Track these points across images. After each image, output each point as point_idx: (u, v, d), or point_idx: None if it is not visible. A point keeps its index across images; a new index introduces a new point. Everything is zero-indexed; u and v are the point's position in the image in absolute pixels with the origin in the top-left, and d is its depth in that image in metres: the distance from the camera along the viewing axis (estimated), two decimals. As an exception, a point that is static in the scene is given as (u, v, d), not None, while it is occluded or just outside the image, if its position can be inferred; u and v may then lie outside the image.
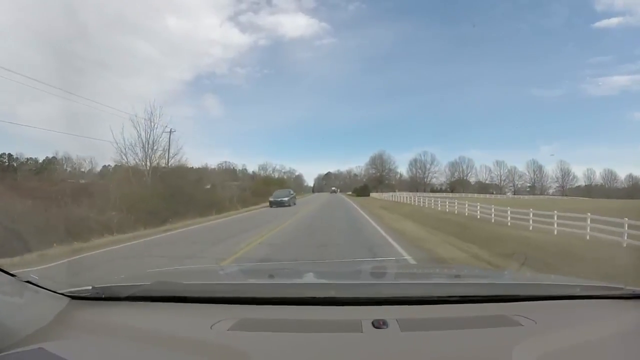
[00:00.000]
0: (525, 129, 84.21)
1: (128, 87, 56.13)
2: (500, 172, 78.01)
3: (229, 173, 53.28)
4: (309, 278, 1.93)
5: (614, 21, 59.64)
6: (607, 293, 1.39)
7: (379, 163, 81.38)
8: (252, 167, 65.54)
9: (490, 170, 77.74)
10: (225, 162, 53.74)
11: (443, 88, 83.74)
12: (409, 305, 1.23)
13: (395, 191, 64.51)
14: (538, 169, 75.45)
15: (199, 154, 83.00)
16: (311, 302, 1.24)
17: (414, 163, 79.75)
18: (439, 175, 79.43)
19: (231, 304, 1.24)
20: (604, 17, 66.27)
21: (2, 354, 0.88)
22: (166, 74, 73.16)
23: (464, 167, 78.88)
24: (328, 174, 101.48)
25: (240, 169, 58.54)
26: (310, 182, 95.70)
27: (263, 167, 73.16)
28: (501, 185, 76.84)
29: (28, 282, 1.17)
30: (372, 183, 74.63)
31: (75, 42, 45.69)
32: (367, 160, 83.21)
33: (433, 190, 69.20)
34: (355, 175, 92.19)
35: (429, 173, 79.58)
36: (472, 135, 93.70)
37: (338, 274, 2.12)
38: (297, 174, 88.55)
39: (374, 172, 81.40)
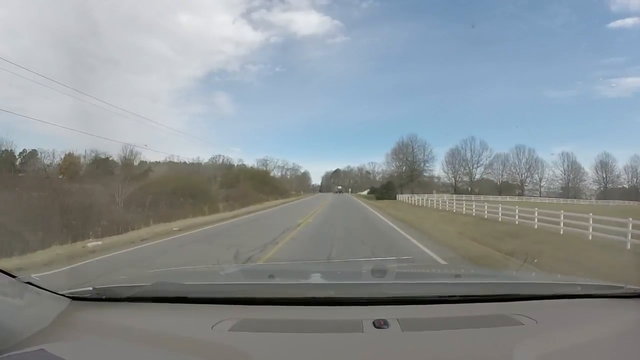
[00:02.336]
0: (539, 129, 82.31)
1: (140, 85, 56.60)
2: (565, 167, 60.31)
3: (222, 168, 48.08)
4: (310, 278, 1.94)
5: (629, 22, 55.89)
6: (607, 292, 1.40)
7: (409, 153, 62.31)
8: (252, 163, 60.72)
9: (545, 165, 60.64)
10: (219, 155, 49.59)
11: (456, 88, 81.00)
12: (409, 305, 1.23)
13: (433, 192, 49.34)
14: (603, 167, 59.45)
15: (208, 150, 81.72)
16: (312, 302, 1.24)
17: (453, 155, 60.96)
18: (487, 172, 61.06)
19: (232, 304, 1.23)
20: (619, 18, 64.35)
21: (3, 355, 0.88)
22: (178, 71, 73.35)
23: (522, 161, 60.37)
24: (337, 171, 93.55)
25: (238, 163, 52.77)
26: (318, 180, 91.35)
27: (263, 162, 67.60)
28: (568, 186, 59.66)
29: (29, 283, 1.16)
30: (397, 181, 58.61)
31: (88, 40, 44.87)
32: (389, 151, 65.62)
33: (459, 192, 53.66)
34: (368, 172, 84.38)
35: (476, 167, 60.46)
36: (487, 137, 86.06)
37: (339, 274, 2.12)
38: (302, 170, 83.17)
39: (398, 165, 63.14)
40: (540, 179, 60.96)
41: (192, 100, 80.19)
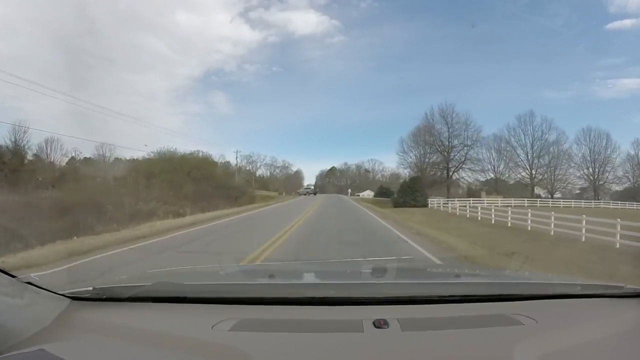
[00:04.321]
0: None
1: (138, 84, 53.34)
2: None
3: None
4: (310, 278, 1.94)
5: (627, 23, 52.76)
6: (607, 292, 1.38)
7: (442, 134, 40.26)
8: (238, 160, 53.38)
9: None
10: (197, 150, 39.95)
11: (456, 88, 77.19)
12: (409, 304, 1.22)
13: (482, 197, 32.41)
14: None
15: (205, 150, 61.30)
16: (312, 302, 1.23)
17: (500, 139, 42.26)
18: (552, 164, 41.33)
19: (232, 304, 1.23)
20: (617, 19, 59.50)
21: (3, 355, 0.88)
22: (175, 70, 72.23)
23: (593, 150, 42.27)
24: (332, 170, 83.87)
25: (220, 160, 44.22)
26: (313, 179, 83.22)
27: (249, 160, 64.07)
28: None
29: (29, 283, 1.15)
30: (417, 177, 37.33)
31: (85, 38, 39.51)
32: (405, 136, 44.12)
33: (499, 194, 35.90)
34: (367, 171, 77.34)
35: (537, 157, 41.15)
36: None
37: (338, 273, 2.09)
38: (295, 169, 77.33)
39: (419, 155, 41.64)
40: (598, 176, 43.23)
41: (189, 100, 79.76)
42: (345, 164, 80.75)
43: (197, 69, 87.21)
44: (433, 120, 41.17)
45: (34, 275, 1.18)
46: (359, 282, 1.62)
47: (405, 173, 42.54)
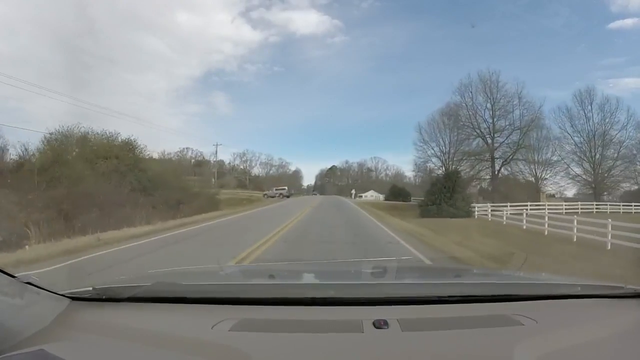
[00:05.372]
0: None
1: (138, 84, 53.90)
2: None
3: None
4: (310, 278, 1.94)
5: (628, 22, 50.36)
6: (607, 292, 1.38)
7: (487, 112, 29.09)
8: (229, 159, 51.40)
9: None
10: (186, 148, 37.03)
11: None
12: (409, 305, 1.22)
13: (542, 200, 26.97)
14: None
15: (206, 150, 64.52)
16: (312, 302, 1.23)
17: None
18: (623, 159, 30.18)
19: (232, 304, 1.23)
20: (618, 18, 57.62)
21: (3, 355, 0.88)
22: (176, 70, 69.56)
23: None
24: (332, 169, 79.02)
25: (212, 159, 41.90)
26: (312, 179, 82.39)
27: (243, 159, 62.40)
28: None
29: (28, 283, 1.15)
30: (456, 172, 26.24)
31: (85, 38, 39.12)
32: (423, 122, 34.04)
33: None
34: (370, 169, 73.33)
35: (604, 146, 29.67)
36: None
37: (339, 274, 2.09)
38: (293, 168, 73.68)
39: (442, 146, 30.74)
40: None
41: (189, 100, 79.03)
42: (347, 162, 75.70)
43: (198, 69, 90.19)
44: (472, 93, 29.01)
45: (33, 275, 1.18)
46: (359, 283, 1.63)
47: (426, 168, 33.27)
